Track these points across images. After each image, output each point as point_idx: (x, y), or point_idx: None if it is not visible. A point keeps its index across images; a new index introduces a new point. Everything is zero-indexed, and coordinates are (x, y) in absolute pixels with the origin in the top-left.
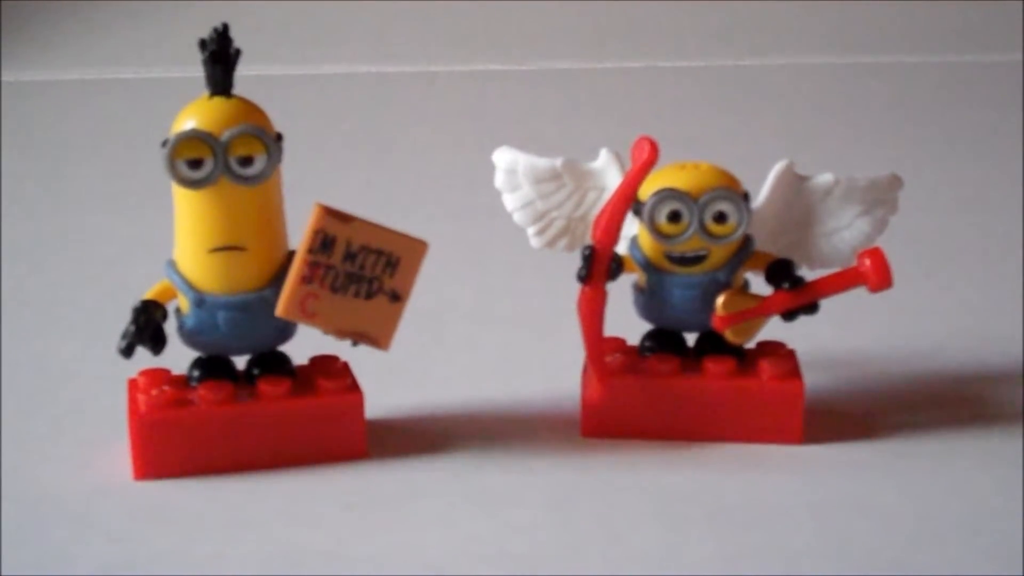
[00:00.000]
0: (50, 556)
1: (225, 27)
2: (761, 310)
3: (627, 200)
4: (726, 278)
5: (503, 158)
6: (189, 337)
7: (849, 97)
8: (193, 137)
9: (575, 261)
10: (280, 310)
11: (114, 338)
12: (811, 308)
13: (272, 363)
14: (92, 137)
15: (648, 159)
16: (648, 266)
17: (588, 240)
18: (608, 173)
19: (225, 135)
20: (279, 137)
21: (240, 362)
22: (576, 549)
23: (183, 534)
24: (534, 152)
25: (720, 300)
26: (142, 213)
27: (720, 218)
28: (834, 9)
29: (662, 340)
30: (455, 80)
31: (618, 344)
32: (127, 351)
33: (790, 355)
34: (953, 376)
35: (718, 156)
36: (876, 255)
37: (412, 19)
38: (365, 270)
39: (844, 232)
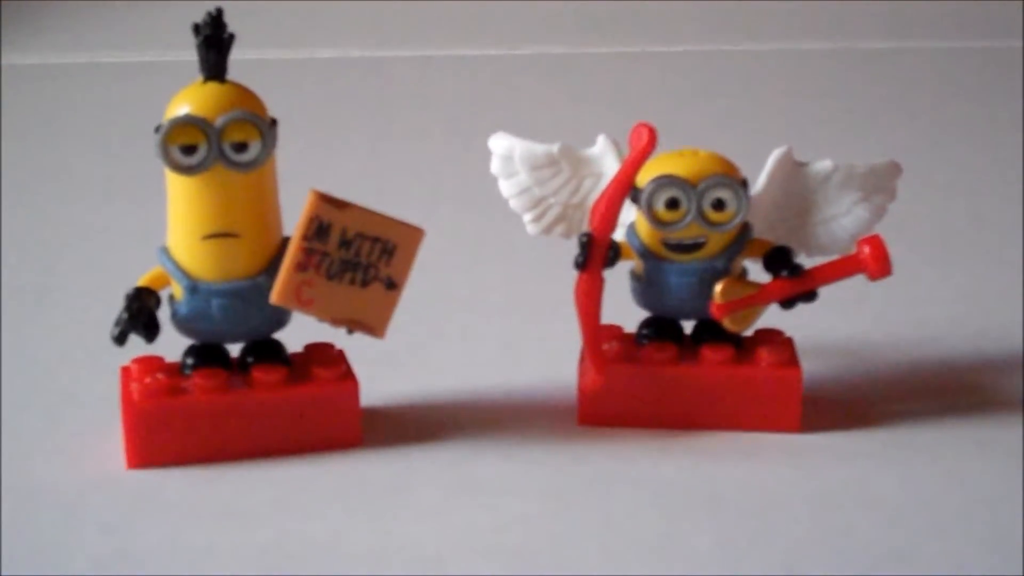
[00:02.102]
0: (43, 546)
1: (219, 11)
2: (759, 298)
3: (625, 187)
4: (724, 265)
5: (499, 144)
6: (183, 324)
7: (848, 83)
8: (187, 122)
9: (572, 248)
10: (275, 297)
11: (107, 325)
12: (809, 296)
13: (266, 351)
14: (84, 122)
15: (646, 146)
16: (646, 253)
17: (585, 227)
18: (605, 159)
19: (219, 121)
20: (274, 122)
21: (234, 350)
22: (572, 538)
23: (177, 523)
24: (531, 138)
25: (718, 288)
26: (135, 199)
27: (718, 205)
28: None
29: (659, 328)
30: (451, 65)
31: (615, 332)
32: (120, 339)
33: (788, 343)
34: (952, 364)
35: (716, 143)
36: (875, 243)
37: (408, 3)
38: (361, 257)
39: (843, 219)
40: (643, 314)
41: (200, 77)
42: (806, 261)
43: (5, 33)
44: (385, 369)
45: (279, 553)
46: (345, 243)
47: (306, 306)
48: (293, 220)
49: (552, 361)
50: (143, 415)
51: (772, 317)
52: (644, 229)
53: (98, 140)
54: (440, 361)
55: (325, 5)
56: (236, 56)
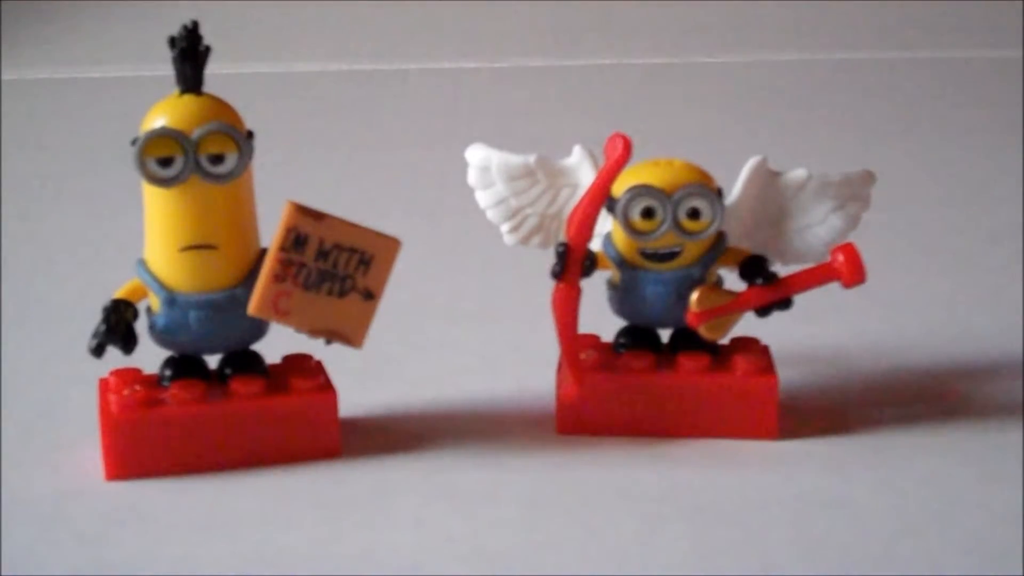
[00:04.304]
0: (20, 558)
1: (195, 24)
2: (735, 306)
3: (601, 197)
4: (700, 274)
5: (476, 155)
6: (160, 336)
7: (821, 93)
8: (163, 135)
9: (549, 258)
10: (252, 308)
11: (85, 338)
12: (785, 304)
13: (244, 362)
14: (60, 136)
15: (621, 156)
16: (622, 263)
17: (562, 237)
18: (581, 170)
19: (196, 133)
20: (250, 135)
21: (212, 361)
22: (551, 546)
23: (156, 535)
24: (507, 149)
25: (694, 296)
26: (112, 211)
27: (694, 214)
28: (808, 5)
29: (636, 337)
30: (428, 77)
31: (592, 341)
32: (98, 351)
33: (764, 351)
34: (927, 371)
35: (691, 152)
36: (849, 250)
37: (384, 16)
38: (338, 268)
39: (817, 228)
40: (620, 323)
41: (176, 90)
42: (781, 269)
43: None
44: (363, 379)
45: (258, 563)
46: (322, 254)
47: (284, 317)
48: (270, 231)
49: (530, 370)
50: (121, 427)
51: (748, 325)
52: (620, 239)
53: (75, 153)
54: (418, 371)
55: (302, 18)
56: (212, 69)
